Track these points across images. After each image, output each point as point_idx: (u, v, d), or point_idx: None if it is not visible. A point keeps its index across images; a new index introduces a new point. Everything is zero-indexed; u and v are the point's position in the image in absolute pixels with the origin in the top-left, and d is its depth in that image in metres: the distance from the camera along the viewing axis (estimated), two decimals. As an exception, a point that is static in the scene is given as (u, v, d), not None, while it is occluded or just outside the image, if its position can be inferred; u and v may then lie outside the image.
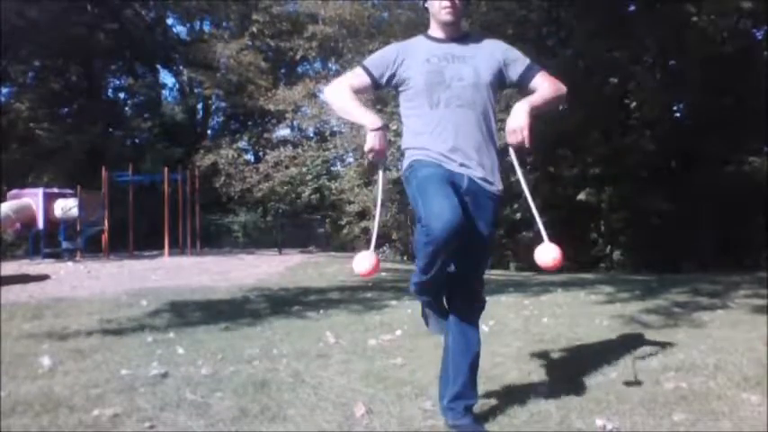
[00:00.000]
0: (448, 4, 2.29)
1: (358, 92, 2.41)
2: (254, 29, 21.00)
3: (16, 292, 7.40)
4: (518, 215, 13.88)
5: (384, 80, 2.38)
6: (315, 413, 2.54)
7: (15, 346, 4.02)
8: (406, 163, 2.36)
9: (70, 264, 12.06)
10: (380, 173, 2.44)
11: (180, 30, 25.27)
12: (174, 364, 3.41)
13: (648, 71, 12.84)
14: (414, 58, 2.35)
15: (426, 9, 2.40)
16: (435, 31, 2.39)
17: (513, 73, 2.39)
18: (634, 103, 12.75)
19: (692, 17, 12.06)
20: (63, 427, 2.43)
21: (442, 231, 2.09)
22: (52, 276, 9.38)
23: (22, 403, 2.68)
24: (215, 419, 2.48)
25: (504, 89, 2.56)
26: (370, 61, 2.42)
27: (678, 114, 15.58)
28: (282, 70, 23.92)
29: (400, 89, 2.39)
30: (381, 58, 2.40)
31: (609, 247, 13.79)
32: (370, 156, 2.26)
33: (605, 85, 12.91)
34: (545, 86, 2.36)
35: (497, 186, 2.34)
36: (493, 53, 2.38)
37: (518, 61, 2.40)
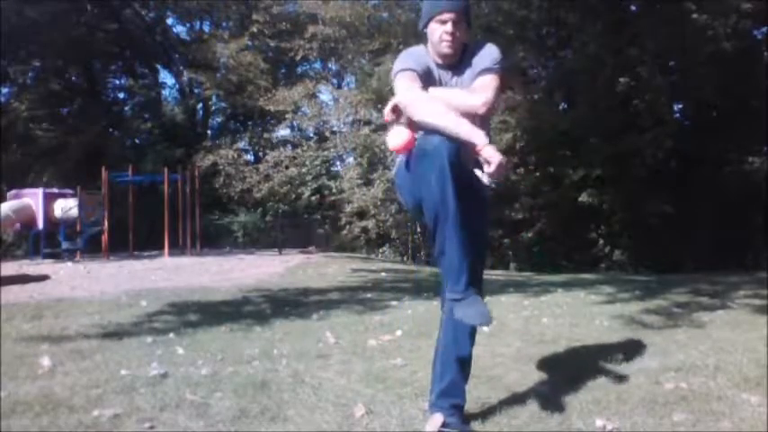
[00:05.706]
0: (449, 38, 2.22)
1: None
2: (254, 29, 21.01)
3: (16, 292, 7.39)
4: (519, 215, 13.89)
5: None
6: (315, 413, 2.54)
7: (15, 346, 4.02)
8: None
9: (70, 264, 12.06)
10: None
11: (180, 30, 25.28)
12: (174, 364, 3.41)
13: (650, 71, 12.83)
14: (426, 74, 2.27)
15: (425, 34, 2.30)
16: (433, 53, 2.31)
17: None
18: (641, 105, 12.74)
19: (692, 15, 12.07)
20: (63, 427, 2.42)
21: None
22: (52, 276, 9.37)
23: (22, 403, 2.68)
24: (215, 420, 2.48)
25: None
26: (410, 62, 2.25)
27: (678, 115, 15.59)
28: (282, 70, 23.91)
29: None
30: (417, 63, 2.26)
31: (609, 247, 13.79)
32: (503, 169, 2.08)
33: (608, 85, 12.92)
34: (459, 94, 2.24)
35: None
36: (473, 70, 2.29)
37: (481, 64, 2.29)
